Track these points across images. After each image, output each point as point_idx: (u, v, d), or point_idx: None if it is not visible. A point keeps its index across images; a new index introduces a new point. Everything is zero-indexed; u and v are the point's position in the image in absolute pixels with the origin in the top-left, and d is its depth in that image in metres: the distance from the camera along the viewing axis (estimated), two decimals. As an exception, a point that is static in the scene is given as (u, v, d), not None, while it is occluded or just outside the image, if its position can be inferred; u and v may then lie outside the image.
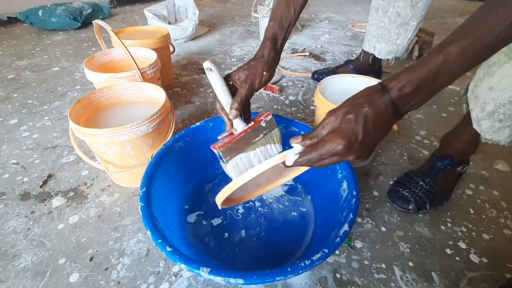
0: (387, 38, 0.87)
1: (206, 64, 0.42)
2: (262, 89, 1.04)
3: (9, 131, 0.83)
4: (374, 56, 0.96)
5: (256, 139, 0.43)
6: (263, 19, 1.47)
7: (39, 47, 1.46)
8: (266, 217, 0.58)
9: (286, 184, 0.64)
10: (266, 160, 0.37)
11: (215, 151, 0.41)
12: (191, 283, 0.47)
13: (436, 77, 0.30)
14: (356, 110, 0.32)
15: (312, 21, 1.93)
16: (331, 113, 0.34)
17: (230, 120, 0.44)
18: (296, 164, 0.35)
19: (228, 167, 0.42)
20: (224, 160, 0.41)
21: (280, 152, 0.43)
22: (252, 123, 0.44)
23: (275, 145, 0.45)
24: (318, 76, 1.09)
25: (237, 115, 0.43)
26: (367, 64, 1.01)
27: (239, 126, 0.44)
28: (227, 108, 0.43)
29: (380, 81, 0.37)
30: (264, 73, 0.44)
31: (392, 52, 0.90)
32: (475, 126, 0.51)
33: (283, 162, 0.36)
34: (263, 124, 0.44)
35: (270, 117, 0.44)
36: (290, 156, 0.35)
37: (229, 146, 0.41)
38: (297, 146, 0.36)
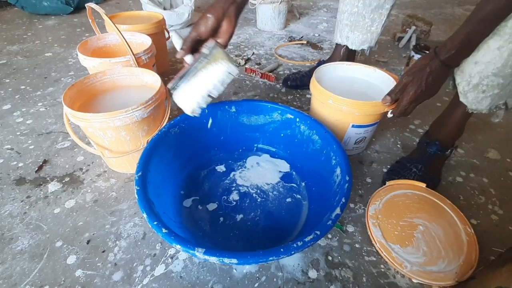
0: (361, 25, 0.80)
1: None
2: (259, 76, 1.04)
3: (2, 117, 0.83)
4: (347, 48, 0.88)
5: (200, 65, 0.49)
6: (260, 6, 1.44)
7: (31, 32, 1.42)
8: (261, 203, 0.59)
9: (281, 171, 0.65)
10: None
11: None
12: (186, 264, 0.49)
13: (470, 39, 0.45)
14: (421, 72, 0.51)
15: (310, 9, 1.90)
16: (407, 73, 0.52)
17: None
18: (395, 116, 0.57)
19: (175, 98, 0.51)
20: (171, 92, 0.51)
21: (225, 68, 0.48)
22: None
23: (218, 64, 0.48)
24: (291, 83, 0.98)
25: (183, 54, 0.49)
26: (340, 60, 0.92)
27: (189, 61, 0.50)
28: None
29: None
30: (208, 15, 0.47)
31: (366, 42, 0.83)
32: (461, 98, 0.55)
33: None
34: (205, 51, 0.49)
35: (212, 43, 0.49)
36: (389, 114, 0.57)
37: (175, 81, 0.51)
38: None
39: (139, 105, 0.54)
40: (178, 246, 0.37)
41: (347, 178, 0.46)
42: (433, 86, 0.52)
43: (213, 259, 0.36)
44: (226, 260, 0.35)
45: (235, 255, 0.36)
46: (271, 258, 0.36)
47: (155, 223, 0.39)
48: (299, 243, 0.37)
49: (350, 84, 0.70)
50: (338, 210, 0.41)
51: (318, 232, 0.38)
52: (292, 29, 1.55)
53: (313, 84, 0.64)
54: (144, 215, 0.40)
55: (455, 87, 0.56)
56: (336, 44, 0.91)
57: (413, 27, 1.34)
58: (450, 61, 0.49)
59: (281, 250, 0.36)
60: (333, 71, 0.72)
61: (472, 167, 0.70)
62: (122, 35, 0.65)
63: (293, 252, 0.37)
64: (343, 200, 0.43)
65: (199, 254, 0.36)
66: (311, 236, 0.38)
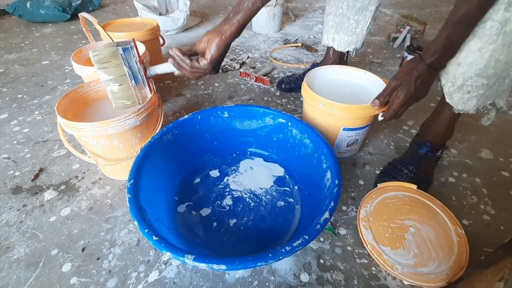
0: (346, 27, 0.80)
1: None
2: (253, 80, 1.05)
3: (0, 126, 0.84)
4: (335, 49, 0.87)
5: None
6: (255, 10, 1.45)
7: (28, 40, 1.44)
8: (254, 207, 0.59)
9: (274, 175, 0.66)
10: None
11: None
12: (180, 270, 0.49)
13: (451, 41, 0.46)
14: (409, 76, 0.51)
15: (305, 11, 1.91)
16: (395, 77, 0.53)
17: None
18: (386, 119, 0.58)
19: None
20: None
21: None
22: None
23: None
24: (286, 85, 0.98)
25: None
26: (333, 62, 0.91)
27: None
28: None
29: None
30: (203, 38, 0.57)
31: (352, 43, 0.83)
32: (447, 99, 0.56)
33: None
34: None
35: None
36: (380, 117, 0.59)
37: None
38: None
39: (131, 113, 0.55)
40: (168, 253, 0.37)
41: (337, 182, 0.47)
42: (422, 88, 0.52)
43: (202, 266, 0.36)
44: (215, 266, 0.36)
45: (223, 261, 0.36)
46: (259, 264, 0.37)
47: (146, 230, 0.40)
48: (287, 248, 0.37)
49: (341, 87, 0.70)
50: (326, 214, 0.42)
51: (306, 237, 0.39)
52: (288, 32, 1.56)
53: (304, 89, 0.65)
54: (136, 222, 0.41)
55: (442, 88, 0.57)
56: (327, 46, 0.91)
57: (408, 27, 1.35)
58: (436, 64, 0.49)
59: (270, 255, 0.37)
60: (324, 75, 0.73)
61: (464, 167, 0.70)
62: (115, 44, 0.66)
63: (281, 257, 0.37)
64: (332, 204, 0.43)
65: (189, 261, 0.36)
66: (299, 241, 0.38)
